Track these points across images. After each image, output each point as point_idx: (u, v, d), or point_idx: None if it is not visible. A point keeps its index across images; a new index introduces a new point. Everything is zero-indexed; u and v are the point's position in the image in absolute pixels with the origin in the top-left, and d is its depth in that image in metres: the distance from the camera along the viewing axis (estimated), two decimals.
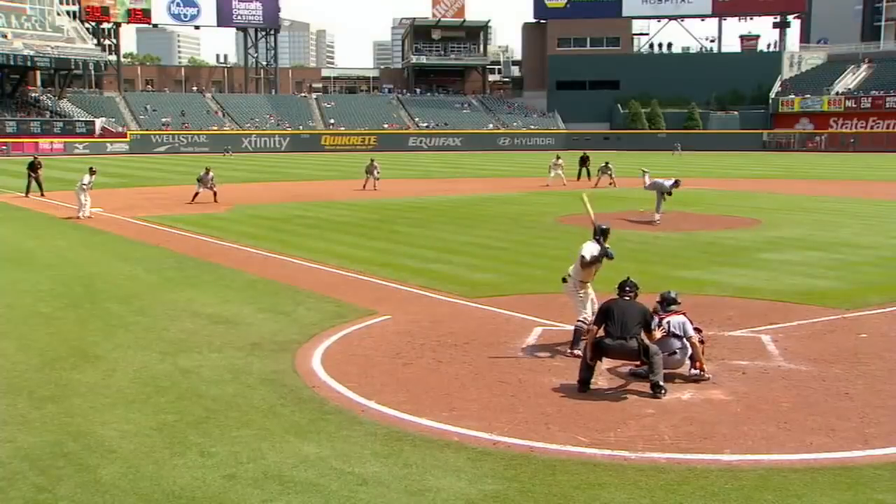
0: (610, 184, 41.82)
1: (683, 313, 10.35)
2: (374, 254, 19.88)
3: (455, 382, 9.93)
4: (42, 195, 35.33)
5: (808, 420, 8.71)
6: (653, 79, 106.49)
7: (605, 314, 9.80)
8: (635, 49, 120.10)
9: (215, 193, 32.79)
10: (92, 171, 28.74)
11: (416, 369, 10.46)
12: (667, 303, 10.52)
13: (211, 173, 33.48)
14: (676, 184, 27.06)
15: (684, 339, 10.11)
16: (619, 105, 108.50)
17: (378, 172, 41.26)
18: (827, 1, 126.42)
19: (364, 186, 40.56)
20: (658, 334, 9.95)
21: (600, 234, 11.17)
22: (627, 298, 9.97)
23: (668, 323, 10.21)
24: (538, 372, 10.31)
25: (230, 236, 23.11)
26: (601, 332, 9.74)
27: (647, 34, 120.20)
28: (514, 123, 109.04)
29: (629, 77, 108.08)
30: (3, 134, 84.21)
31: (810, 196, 36.66)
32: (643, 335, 9.61)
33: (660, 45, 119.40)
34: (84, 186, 27.63)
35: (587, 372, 9.65)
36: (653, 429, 8.44)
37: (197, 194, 32.75)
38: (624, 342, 9.57)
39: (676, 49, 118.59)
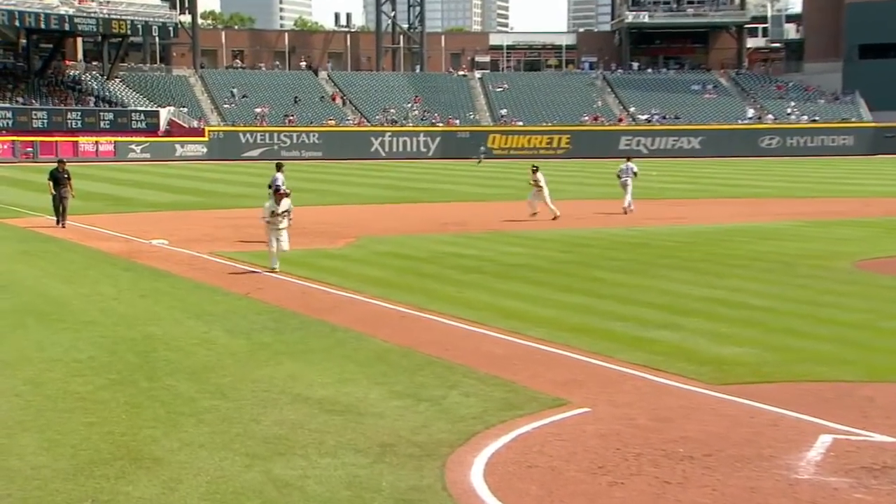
0: None
1: None
2: (563, 312, 19.87)
3: None
4: (62, 223, 36.10)
5: None
6: None
7: None
8: None
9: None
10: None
11: (629, 493, 10.32)
12: None
13: (280, 178, 32.18)
14: None
15: None
16: None
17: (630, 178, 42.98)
18: None
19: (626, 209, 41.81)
20: None
21: None
22: None
23: None
24: None
25: (351, 283, 23.65)
26: None
27: None
28: (788, 114, 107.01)
29: None
30: (29, 129, 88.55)
31: None
32: None
33: None
34: (275, 212, 25.71)
35: None
36: None
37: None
38: None
39: None
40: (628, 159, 45.67)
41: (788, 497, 10.23)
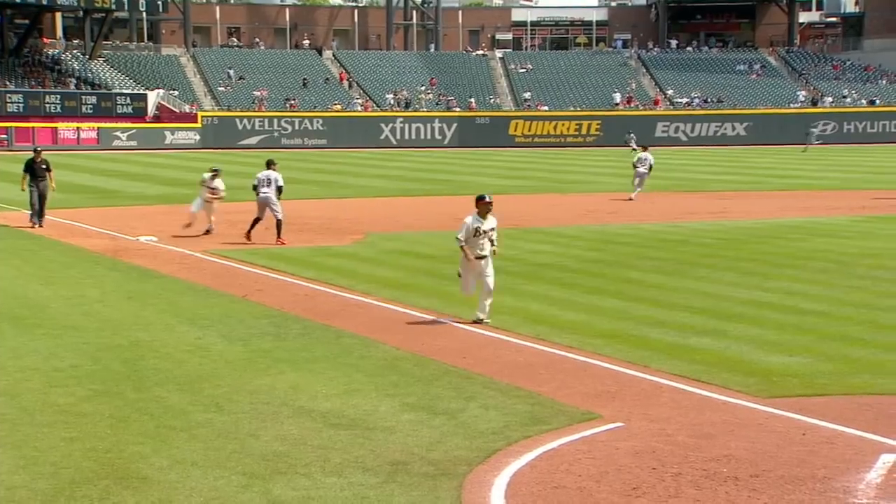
0: None
1: None
2: (594, 317, 19.95)
3: None
4: (39, 223, 35.23)
5: None
6: None
7: None
8: None
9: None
10: (270, 165, 31.66)
11: None
12: None
13: (278, 177, 31.93)
14: None
15: None
16: None
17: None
18: None
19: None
20: None
21: None
22: None
23: None
24: None
25: (360, 284, 23.77)
26: None
27: None
28: (845, 96, 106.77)
29: None
30: (3, 114, 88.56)
31: None
32: None
33: None
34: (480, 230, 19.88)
35: None
36: None
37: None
38: None
39: None
40: (645, 149, 49.11)
41: None
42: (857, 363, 16.38)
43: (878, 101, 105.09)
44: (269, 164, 32.15)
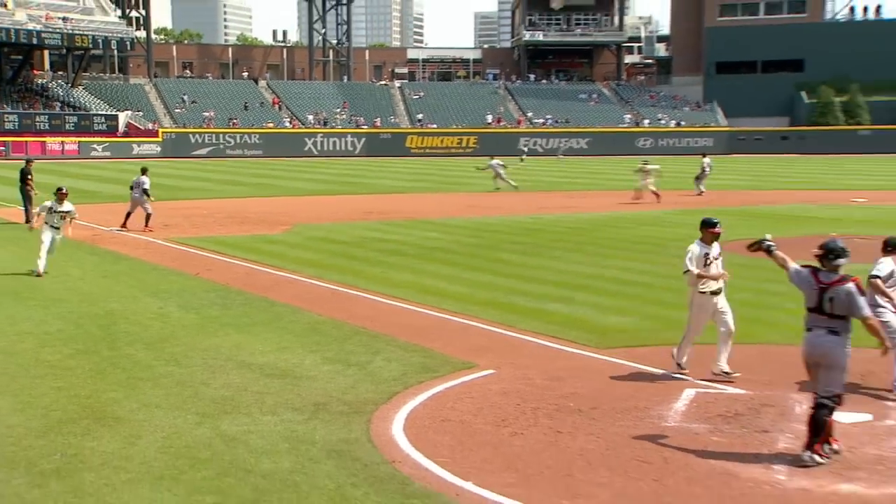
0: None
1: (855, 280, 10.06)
2: (473, 289, 19.98)
3: (579, 460, 9.90)
4: (28, 220, 32.87)
5: None
6: (853, 56, 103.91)
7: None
8: (828, 16, 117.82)
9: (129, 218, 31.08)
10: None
11: (527, 441, 10.47)
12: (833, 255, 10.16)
13: (147, 181, 31.48)
14: None
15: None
16: (803, 93, 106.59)
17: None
18: None
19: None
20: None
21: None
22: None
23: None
24: (690, 450, 10.19)
25: (289, 264, 23.56)
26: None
27: None
28: (659, 119, 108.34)
29: (819, 55, 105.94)
30: (1, 131, 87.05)
31: None
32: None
33: (864, 10, 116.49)
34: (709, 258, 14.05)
35: None
36: None
37: (129, 215, 31.37)
38: None
39: (890, 13, 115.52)
40: (492, 158, 52.58)
41: (658, 441, 10.49)
42: (670, 321, 16.56)
43: (683, 123, 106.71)
44: (143, 171, 32.24)
